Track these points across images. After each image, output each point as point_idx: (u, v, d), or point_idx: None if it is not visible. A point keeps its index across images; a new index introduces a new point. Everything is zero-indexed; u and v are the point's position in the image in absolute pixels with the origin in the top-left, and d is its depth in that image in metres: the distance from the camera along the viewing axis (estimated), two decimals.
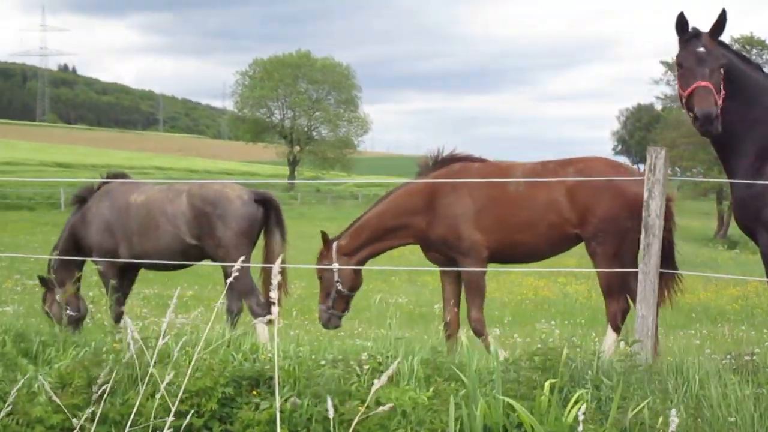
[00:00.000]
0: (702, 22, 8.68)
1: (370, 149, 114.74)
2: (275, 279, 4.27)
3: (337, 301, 10.92)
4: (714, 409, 6.75)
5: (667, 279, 10.20)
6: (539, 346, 7.67)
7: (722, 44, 8.71)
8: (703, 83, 8.39)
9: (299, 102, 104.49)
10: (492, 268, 11.23)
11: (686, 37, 8.69)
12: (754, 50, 77.57)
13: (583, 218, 10.09)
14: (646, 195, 8.21)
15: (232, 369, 7.08)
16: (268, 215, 11.94)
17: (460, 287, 10.82)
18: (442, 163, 10.83)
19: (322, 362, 7.54)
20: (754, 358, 7.49)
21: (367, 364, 7.43)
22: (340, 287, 10.84)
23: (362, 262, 10.97)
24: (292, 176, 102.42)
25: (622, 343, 8.05)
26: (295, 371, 7.13)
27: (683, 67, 8.58)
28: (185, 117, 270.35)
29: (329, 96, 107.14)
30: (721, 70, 8.46)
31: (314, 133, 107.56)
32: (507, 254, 10.69)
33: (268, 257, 11.79)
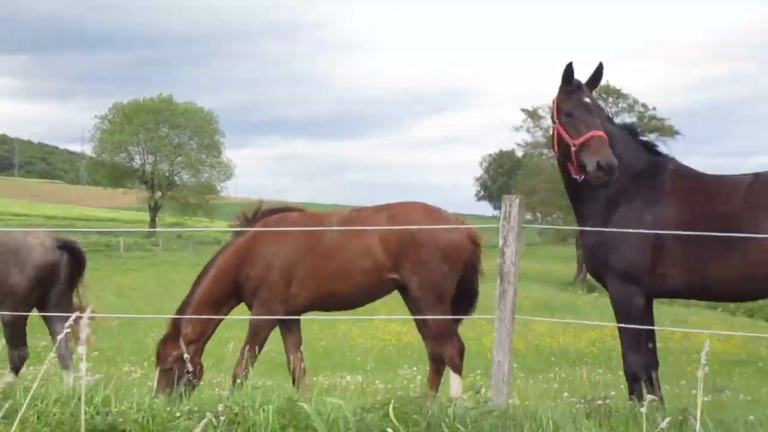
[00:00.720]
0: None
1: (233, 194, 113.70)
2: (83, 333, 4.13)
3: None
4: None
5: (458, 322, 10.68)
6: (399, 393, 7.66)
7: None
8: (599, 133, 8.59)
9: (160, 147, 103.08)
10: (358, 317, 11.23)
11: (571, 87, 8.89)
12: (611, 99, 79.96)
13: (398, 264, 10.23)
14: (501, 242, 8.28)
15: (84, 423, 6.88)
16: (72, 262, 11.82)
17: (300, 335, 10.89)
18: (263, 215, 10.84)
19: (178, 414, 7.38)
20: (608, 401, 7.60)
21: (223, 415, 7.31)
22: (192, 379, 10.46)
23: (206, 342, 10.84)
24: (153, 222, 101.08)
25: (483, 389, 8.08)
26: (149, 424, 6.97)
27: (573, 117, 8.75)
28: (42, 161, 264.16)
29: (191, 141, 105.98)
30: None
31: (176, 179, 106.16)
32: (325, 303, 10.73)
33: (74, 306, 11.67)
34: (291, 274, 10.38)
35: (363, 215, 10.57)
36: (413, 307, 10.49)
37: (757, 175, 8.78)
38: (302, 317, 10.94)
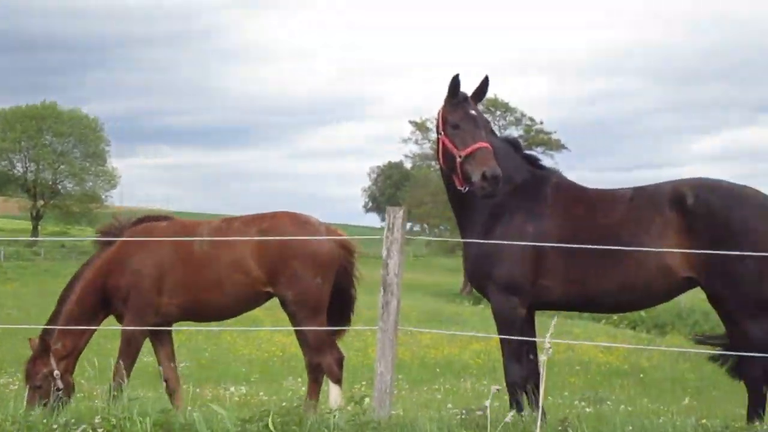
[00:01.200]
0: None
1: (118, 204, 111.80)
2: None
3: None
4: None
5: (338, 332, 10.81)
6: (284, 404, 7.60)
7: None
8: (485, 144, 8.64)
9: (43, 155, 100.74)
10: (244, 328, 11.18)
11: (457, 99, 8.93)
12: (498, 112, 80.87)
13: (273, 278, 10.24)
14: (384, 254, 8.27)
15: None
16: None
17: (172, 345, 10.80)
18: (131, 224, 10.75)
19: (54, 426, 7.24)
20: (486, 412, 7.62)
21: (100, 426, 7.18)
22: (63, 397, 10.11)
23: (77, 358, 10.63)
24: (35, 231, 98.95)
25: (366, 399, 8.05)
26: None
27: (459, 128, 8.78)
28: None
29: (75, 149, 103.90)
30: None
31: (59, 187, 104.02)
32: (197, 313, 10.68)
33: None
34: (160, 283, 10.30)
35: (234, 226, 10.49)
36: (291, 319, 10.45)
37: (636, 189, 8.95)
38: (188, 327, 10.84)
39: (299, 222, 10.53)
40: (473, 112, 8.93)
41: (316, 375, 10.55)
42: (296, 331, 10.57)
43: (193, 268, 10.29)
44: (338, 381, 10.29)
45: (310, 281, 10.16)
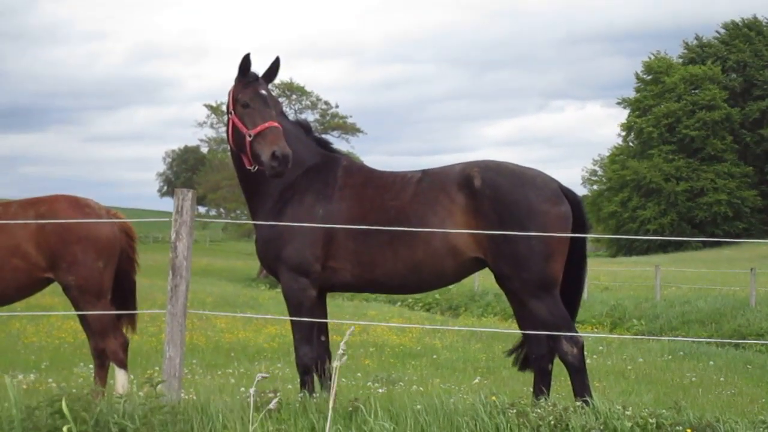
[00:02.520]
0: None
1: None
2: None
3: None
4: None
5: (131, 317, 10.84)
6: (74, 390, 7.45)
7: None
8: (275, 123, 8.62)
9: None
10: (34, 313, 10.95)
11: (249, 78, 8.90)
12: (294, 96, 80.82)
13: (53, 263, 10.03)
14: (173, 236, 8.19)
15: None
16: None
17: None
18: None
19: None
20: (278, 394, 7.65)
21: None
22: None
23: None
24: None
25: (159, 384, 7.96)
26: None
27: (249, 107, 8.76)
28: None
29: None
30: None
31: None
32: None
33: None
34: None
35: (11, 211, 10.15)
36: (73, 304, 10.23)
37: (425, 172, 9.12)
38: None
39: (78, 205, 10.30)
40: (264, 91, 8.93)
41: (102, 360, 10.39)
42: (80, 317, 10.38)
43: None
44: (123, 365, 10.21)
45: (91, 265, 9.99)
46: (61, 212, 10.01)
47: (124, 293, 10.70)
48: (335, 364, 5.28)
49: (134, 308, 10.85)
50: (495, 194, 8.64)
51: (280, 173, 8.55)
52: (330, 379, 9.18)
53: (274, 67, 9.18)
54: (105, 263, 10.08)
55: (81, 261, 9.96)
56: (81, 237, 9.99)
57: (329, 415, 5.89)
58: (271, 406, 5.77)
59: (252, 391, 5.81)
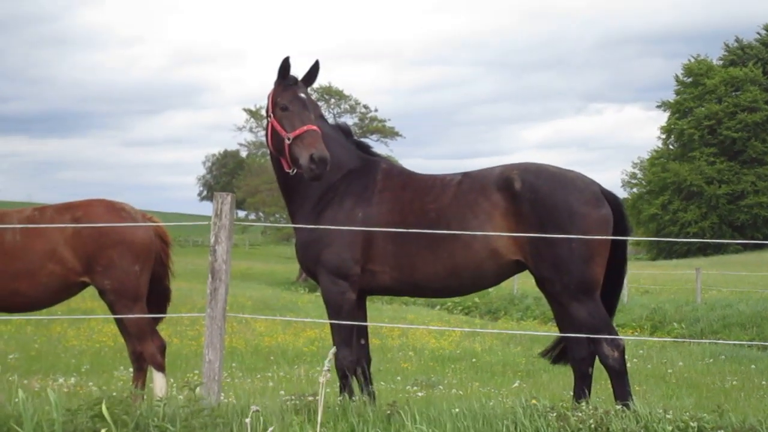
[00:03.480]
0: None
1: None
2: None
3: None
4: None
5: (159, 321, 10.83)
6: (114, 394, 7.48)
7: None
8: (313, 127, 8.66)
9: None
10: (74, 316, 10.99)
11: (288, 82, 8.94)
12: (333, 100, 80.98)
13: (88, 267, 10.05)
14: (212, 240, 8.21)
15: None
16: None
17: None
18: None
19: None
20: (317, 397, 7.65)
21: None
22: None
23: None
24: None
25: (198, 387, 7.98)
26: None
27: (288, 111, 8.80)
28: None
29: None
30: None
31: None
32: (7, 303, 10.23)
33: None
34: None
35: (47, 215, 10.17)
36: (110, 308, 10.28)
37: (465, 174, 9.09)
38: (18, 318, 10.54)
39: (114, 209, 10.32)
40: (302, 95, 8.96)
41: (140, 363, 10.42)
42: (117, 321, 10.41)
43: (4, 258, 9.93)
44: (161, 368, 10.24)
45: (127, 269, 10.02)
46: (96, 216, 10.03)
47: (158, 298, 10.73)
48: (321, 379, 5.27)
49: (166, 311, 10.90)
50: (535, 197, 8.59)
51: (318, 176, 8.56)
52: (370, 383, 9.19)
53: (314, 71, 9.18)
54: (141, 267, 10.11)
55: (117, 265, 9.99)
56: (117, 241, 10.02)
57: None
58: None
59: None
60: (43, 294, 10.12)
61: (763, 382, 15.68)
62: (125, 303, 10.07)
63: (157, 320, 10.70)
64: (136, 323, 10.13)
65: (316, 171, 8.51)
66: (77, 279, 10.08)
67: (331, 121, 9.79)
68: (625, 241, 9.07)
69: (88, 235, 9.91)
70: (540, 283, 8.99)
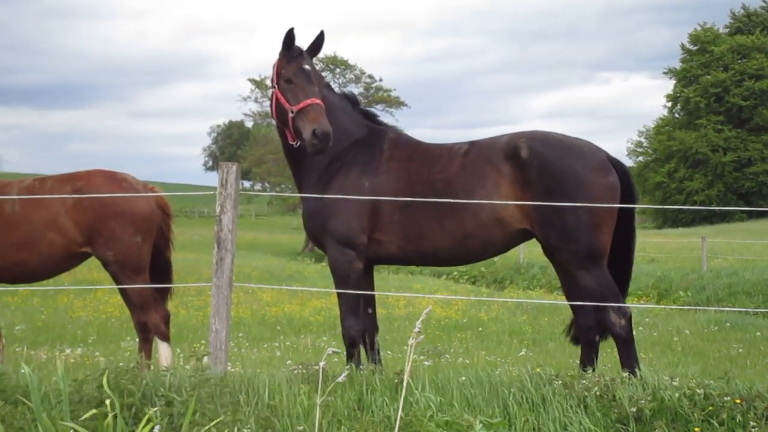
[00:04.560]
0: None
1: None
2: None
3: None
4: (284, 418, 6.86)
5: (165, 292, 10.80)
6: (120, 364, 7.49)
7: None
8: (317, 101, 8.63)
9: None
10: (81, 287, 10.96)
11: (293, 53, 8.89)
12: (338, 69, 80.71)
13: (90, 238, 10.05)
14: (218, 209, 8.20)
15: None
16: None
17: None
18: None
19: None
20: (325, 366, 7.66)
21: None
22: None
23: None
24: None
25: (205, 357, 7.99)
26: None
27: (292, 83, 8.76)
28: None
29: None
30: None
31: None
32: (8, 274, 10.24)
33: None
34: None
35: (47, 186, 10.17)
36: (113, 279, 10.28)
37: (472, 143, 9.05)
38: (24, 288, 10.55)
39: (115, 180, 10.29)
40: (307, 66, 8.91)
41: (145, 334, 10.43)
42: (121, 291, 10.42)
43: (5, 229, 9.94)
44: (166, 338, 10.26)
45: (129, 240, 10.01)
46: (97, 187, 10.00)
47: (158, 270, 10.71)
48: (410, 341, 5.23)
49: (170, 283, 10.88)
50: (542, 164, 8.56)
51: (320, 150, 8.54)
52: (377, 352, 9.20)
53: (319, 42, 9.14)
54: (143, 238, 10.09)
55: (119, 236, 9.97)
56: (118, 212, 10.00)
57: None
58: (340, 379, 5.75)
59: (322, 364, 5.77)
60: (44, 264, 10.12)
61: None
62: (128, 274, 10.07)
63: (164, 293, 10.67)
64: (140, 294, 10.13)
65: (318, 146, 8.48)
66: (78, 250, 10.07)
67: (336, 90, 9.74)
68: (632, 209, 9.05)
69: (89, 206, 9.89)
70: (547, 251, 8.97)
